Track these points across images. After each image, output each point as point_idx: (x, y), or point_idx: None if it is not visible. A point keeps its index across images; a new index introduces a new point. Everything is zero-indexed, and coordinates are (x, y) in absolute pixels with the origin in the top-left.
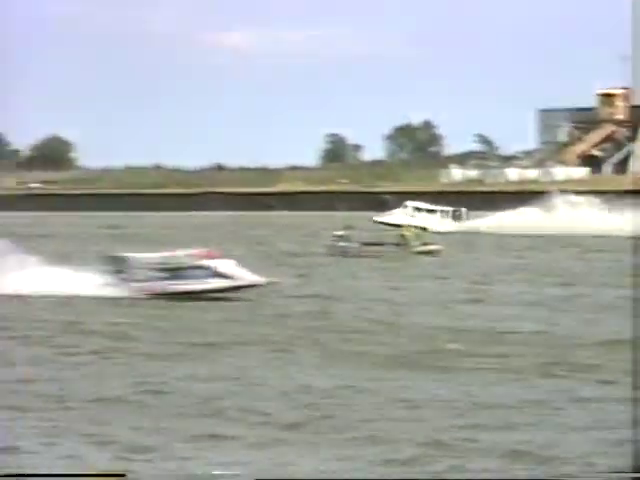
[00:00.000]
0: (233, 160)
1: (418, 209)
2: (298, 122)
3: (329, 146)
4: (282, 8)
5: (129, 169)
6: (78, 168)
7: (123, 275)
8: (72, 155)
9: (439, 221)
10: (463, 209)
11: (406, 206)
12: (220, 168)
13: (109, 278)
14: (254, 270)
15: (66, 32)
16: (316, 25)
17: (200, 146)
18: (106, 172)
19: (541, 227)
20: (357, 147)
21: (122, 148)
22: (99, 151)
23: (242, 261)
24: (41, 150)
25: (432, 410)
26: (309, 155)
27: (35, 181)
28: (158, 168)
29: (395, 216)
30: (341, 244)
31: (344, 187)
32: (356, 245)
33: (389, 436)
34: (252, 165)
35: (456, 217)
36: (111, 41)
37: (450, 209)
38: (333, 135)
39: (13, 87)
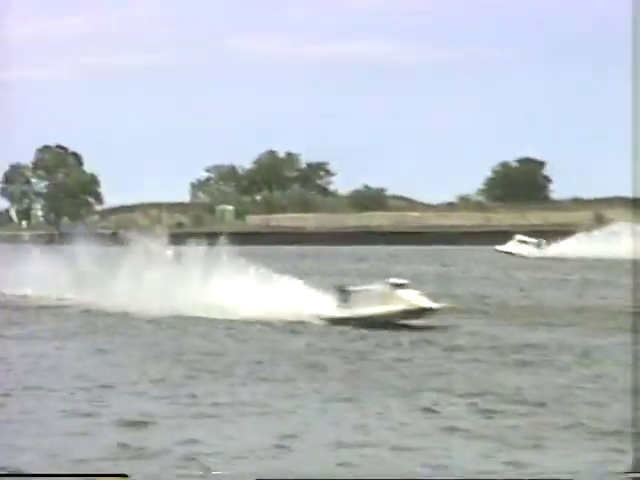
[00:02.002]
0: None
1: (520, 241)
2: None
3: None
4: None
5: None
6: None
7: None
8: None
9: (529, 249)
10: (543, 240)
11: (514, 239)
12: None
13: None
14: None
15: None
16: None
17: None
18: None
19: (594, 252)
20: None
21: None
22: None
23: None
24: None
25: None
26: None
27: None
28: None
29: (506, 246)
30: None
31: None
32: None
33: None
34: None
35: (538, 246)
36: None
37: (535, 240)
38: None
39: None
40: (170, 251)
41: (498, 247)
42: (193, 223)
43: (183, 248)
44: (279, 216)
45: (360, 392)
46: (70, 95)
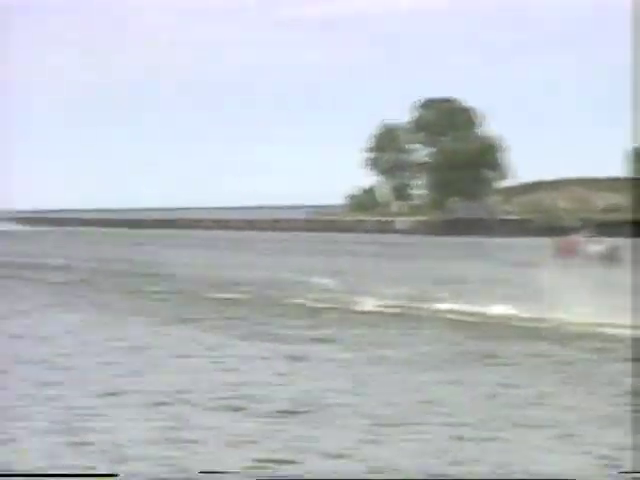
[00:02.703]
0: None
1: None
2: None
3: None
4: None
5: None
6: None
7: None
8: None
9: None
10: None
11: None
12: None
13: None
14: None
15: None
16: None
17: None
18: None
19: None
20: None
21: None
22: None
23: None
24: None
25: None
26: None
27: None
28: None
29: None
30: None
31: None
32: None
33: None
34: None
35: None
36: None
37: None
38: None
39: None
40: None
41: None
42: (633, 206)
43: None
44: None
45: None
46: (456, 29)
